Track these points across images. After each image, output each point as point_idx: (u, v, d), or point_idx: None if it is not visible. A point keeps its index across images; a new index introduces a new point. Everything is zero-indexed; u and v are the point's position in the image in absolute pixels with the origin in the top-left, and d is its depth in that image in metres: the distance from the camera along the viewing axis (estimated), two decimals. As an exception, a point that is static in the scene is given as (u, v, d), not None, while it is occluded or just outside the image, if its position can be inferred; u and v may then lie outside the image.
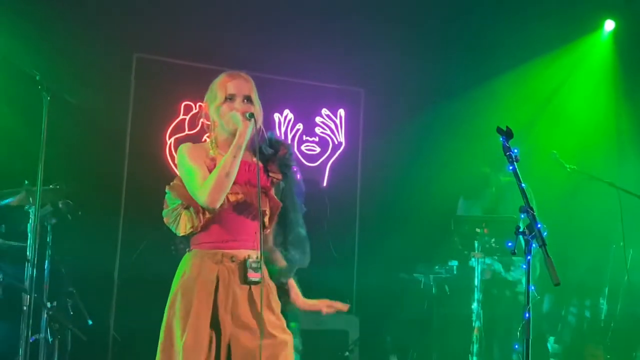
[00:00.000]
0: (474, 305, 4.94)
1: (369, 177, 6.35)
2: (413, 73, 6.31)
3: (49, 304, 4.49)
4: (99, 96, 5.33)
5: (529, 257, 2.63)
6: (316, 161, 6.18)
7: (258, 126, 2.79)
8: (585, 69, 6.81)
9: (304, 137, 6.15)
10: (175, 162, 2.84)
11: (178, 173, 2.80)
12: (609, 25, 6.79)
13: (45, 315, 4.46)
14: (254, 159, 2.77)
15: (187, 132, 5.65)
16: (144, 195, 5.47)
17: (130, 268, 5.35)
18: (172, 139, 5.61)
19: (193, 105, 5.67)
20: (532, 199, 5.08)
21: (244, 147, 2.70)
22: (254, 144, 2.75)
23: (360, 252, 6.29)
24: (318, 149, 6.19)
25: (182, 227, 2.72)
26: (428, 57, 6.34)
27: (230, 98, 2.79)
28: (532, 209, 2.65)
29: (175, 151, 5.45)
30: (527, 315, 2.60)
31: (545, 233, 2.62)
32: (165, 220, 2.78)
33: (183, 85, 5.66)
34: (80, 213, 4.75)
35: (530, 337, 2.62)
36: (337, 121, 6.28)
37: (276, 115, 6.03)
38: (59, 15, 5.28)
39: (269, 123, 5.98)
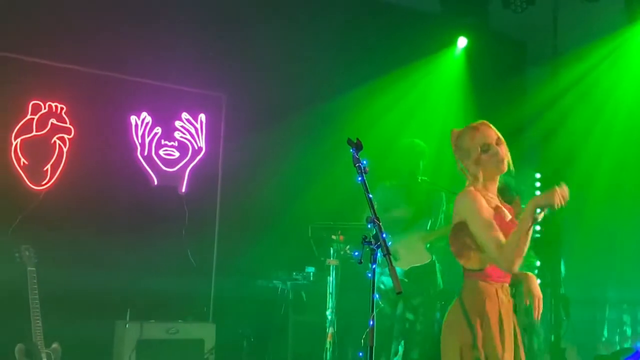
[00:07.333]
0: (328, 312, 5.02)
1: (229, 184, 6.28)
2: (275, 79, 6.33)
3: None
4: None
5: (374, 266, 2.69)
6: (175, 166, 6.04)
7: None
8: (438, 83, 7.12)
9: (163, 142, 5.99)
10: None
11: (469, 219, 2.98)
12: (462, 42, 7.14)
13: None
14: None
15: (35, 132, 5.34)
16: (-15, 198, 5.14)
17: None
18: (19, 140, 5.29)
19: (42, 105, 5.37)
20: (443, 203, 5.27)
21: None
22: None
23: (219, 259, 6.20)
24: (177, 154, 6.06)
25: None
26: (290, 64, 6.38)
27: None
28: (378, 219, 2.72)
29: (22, 152, 5.20)
30: (371, 323, 2.65)
31: (390, 243, 2.69)
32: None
33: (31, 84, 5.35)
34: None
35: (374, 344, 2.67)
36: (198, 126, 6.18)
37: (133, 118, 5.84)
38: None
39: (125, 125, 5.80)
